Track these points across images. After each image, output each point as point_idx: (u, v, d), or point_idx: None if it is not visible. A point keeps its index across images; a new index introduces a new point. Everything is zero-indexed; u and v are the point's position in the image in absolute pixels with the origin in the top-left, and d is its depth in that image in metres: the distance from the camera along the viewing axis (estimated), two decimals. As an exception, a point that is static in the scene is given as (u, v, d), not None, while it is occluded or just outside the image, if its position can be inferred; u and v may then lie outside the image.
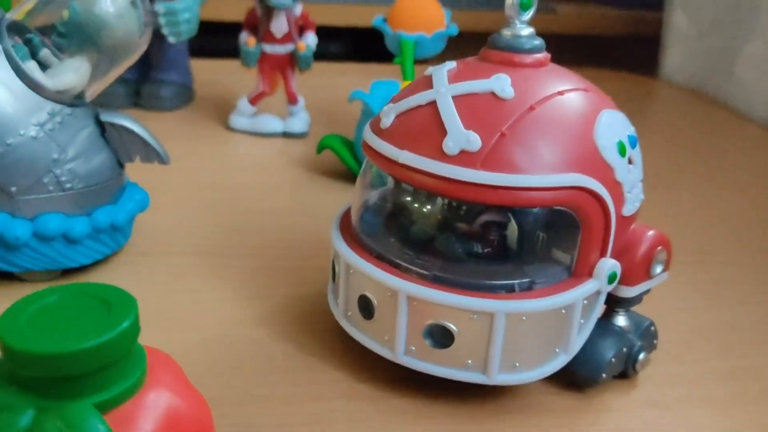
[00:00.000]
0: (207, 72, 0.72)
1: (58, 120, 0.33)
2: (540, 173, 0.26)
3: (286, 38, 0.58)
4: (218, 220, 0.44)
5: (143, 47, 0.36)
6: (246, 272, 0.38)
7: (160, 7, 0.56)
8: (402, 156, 0.27)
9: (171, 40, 0.58)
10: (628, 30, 1.01)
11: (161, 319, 0.33)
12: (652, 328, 0.31)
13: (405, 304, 0.27)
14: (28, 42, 0.35)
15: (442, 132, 0.26)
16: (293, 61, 0.59)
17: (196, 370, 0.30)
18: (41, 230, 0.33)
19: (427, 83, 0.28)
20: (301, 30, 0.59)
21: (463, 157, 0.26)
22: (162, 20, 0.57)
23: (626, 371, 0.30)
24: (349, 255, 0.29)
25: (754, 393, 0.31)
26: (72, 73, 0.34)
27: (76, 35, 0.33)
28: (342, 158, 0.50)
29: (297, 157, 0.56)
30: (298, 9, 0.58)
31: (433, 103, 0.27)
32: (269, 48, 0.58)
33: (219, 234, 0.42)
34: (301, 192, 0.49)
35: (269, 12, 0.57)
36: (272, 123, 0.60)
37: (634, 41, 0.99)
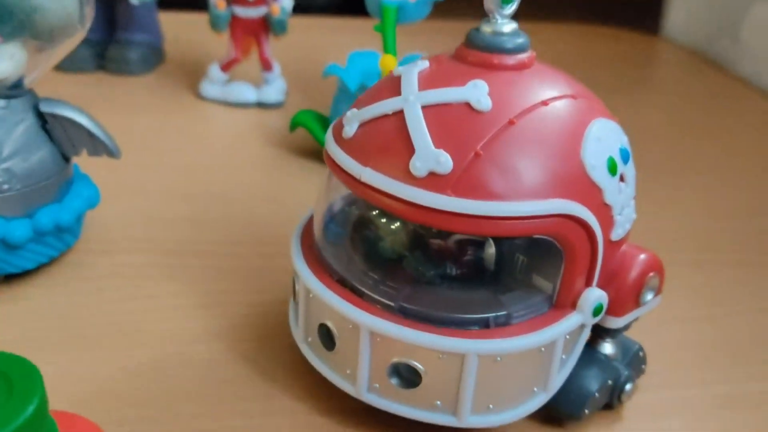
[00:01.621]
0: (177, 26, 0.67)
1: (-10, 115, 0.30)
2: (519, 200, 0.23)
3: (259, 1, 0.54)
4: (179, 210, 0.41)
5: (86, 27, 0.32)
6: (206, 274, 0.35)
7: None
8: (365, 174, 0.24)
9: (134, 2, 0.54)
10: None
11: (107, 333, 0.31)
12: (641, 353, 0.28)
13: (367, 340, 0.24)
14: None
15: (410, 149, 0.23)
16: (267, 24, 0.55)
17: (140, 395, 0.27)
18: (-24, 237, 0.30)
19: (395, 87, 0.25)
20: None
21: (432, 180, 0.23)
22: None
23: (611, 403, 0.28)
24: (308, 278, 0.26)
25: (756, 424, 0.29)
26: (6, 61, 0.30)
27: (7, 20, 0.30)
28: (316, 137, 0.47)
29: (271, 131, 0.52)
30: (272, -32, 0.54)
31: (400, 113, 0.24)
32: (241, 11, 0.54)
33: (179, 227, 0.39)
34: (272, 174, 0.46)
35: (242, -28, 0.52)
36: (245, 92, 0.56)
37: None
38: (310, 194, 0.43)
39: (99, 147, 0.34)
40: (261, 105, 0.56)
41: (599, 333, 0.27)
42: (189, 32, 0.68)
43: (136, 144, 0.48)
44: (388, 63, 0.45)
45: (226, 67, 0.56)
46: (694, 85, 0.71)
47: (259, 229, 0.40)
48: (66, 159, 0.34)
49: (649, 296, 0.26)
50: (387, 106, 0.25)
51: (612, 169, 0.24)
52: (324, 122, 0.48)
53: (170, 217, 0.40)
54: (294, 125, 0.48)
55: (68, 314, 0.32)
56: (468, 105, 0.24)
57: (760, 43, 0.69)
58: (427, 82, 0.25)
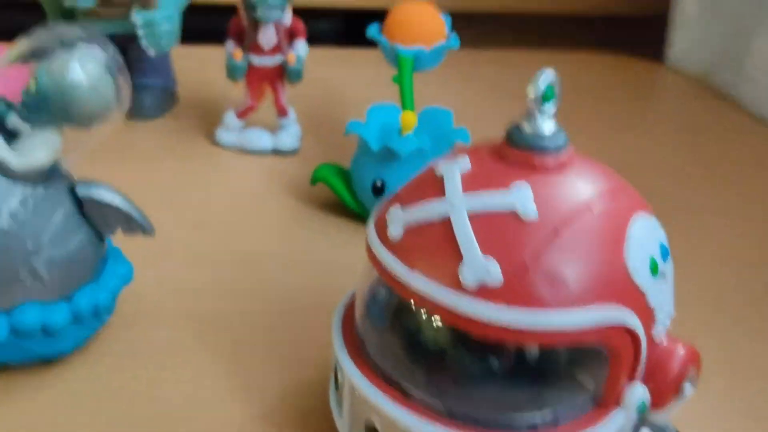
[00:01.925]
0: (189, 61, 0.68)
1: (30, 205, 0.30)
2: (567, 309, 0.23)
3: (275, 49, 0.54)
4: (206, 276, 0.41)
5: (124, 108, 0.32)
6: (240, 350, 0.35)
7: (137, 18, 0.52)
8: (413, 279, 0.24)
9: (151, 53, 0.54)
10: (631, 9, 0.97)
11: (142, 417, 0.31)
12: (677, 435, 0.29)
13: (417, 443, 0.25)
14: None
15: (458, 256, 0.24)
16: (283, 72, 0.55)
17: None
18: (18, 326, 0.31)
19: (439, 188, 0.26)
20: (291, 37, 0.55)
21: (482, 290, 0.23)
22: (140, 32, 0.53)
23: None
24: (353, 374, 0.27)
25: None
26: (42, 148, 0.31)
27: (45, 109, 0.30)
28: (338, 193, 0.47)
29: (289, 180, 0.53)
30: (288, 18, 0.54)
31: (446, 218, 0.25)
32: (257, 60, 0.54)
33: (208, 295, 0.39)
34: (296, 232, 0.46)
35: (257, 23, 0.53)
36: (261, 138, 0.56)
37: (637, 21, 0.95)
38: (334, 254, 0.44)
39: (134, 227, 0.34)
40: (277, 152, 0.56)
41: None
42: (199, 69, 0.68)
43: (155, 199, 0.48)
44: (409, 121, 0.45)
45: (242, 114, 0.56)
46: (699, 116, 0.72)
47: (288, 296, 0.40)
48: (101, 238, 0.34)
49: (688, 388, 0.27)
50: (433, 210, 0.25)
51: (654, 269, 0.25)
52: (345, 176, 0.48)
53: (198, 284, 0.40)
54: (315, 180, 0.48)
55: (103, 396, 0.32)
56: (514, 213, 0.24)
57: (764, 76, 0.70)
58: (471, 185, 0.25)
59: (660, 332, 0.26)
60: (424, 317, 0.27)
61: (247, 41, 0.53)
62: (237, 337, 0.36)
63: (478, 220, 0.24)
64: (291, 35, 0.55)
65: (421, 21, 0.52)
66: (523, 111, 0.26)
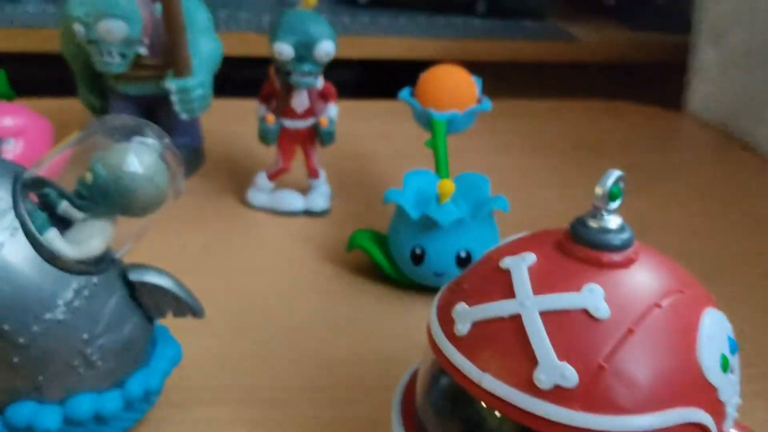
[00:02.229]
0: (212, 114, 0.68)
1: (85, 294, 0.30)
2: (643, 412, 0.23)
3: (308, 113, 0.54)
4: (248, 349, 0.41)
5: (179, 195, 0.33)
6: (286, 425, 0.35)
7: (171, 85, 0.52)
8: (485, 380, 0.24)
9: (183, 117, 0.54)
10: (653, 57, 0.97)
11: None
12: None
13: None
14: (44, 197, 0.31)
15: (531, 358, 0.24)
16: (314, 134, 0.56)
17: None
18: (72, 415, 0.30)
19: (506, 285, 0.25)
20: (322, 99, 0.55)
21: (557, 393, 0.23)
22: (174, 98, 0.53)
23: None
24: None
25: None
26: (97, 238, 0.31)
27: (101, 200, 0.30)
28: (376, 261, 0.47)
29: (323, 242, 0.53)
30: (320, 81, 0.54)
31: (517, 318, 0.24)
32: (289, 123, 0.54)
33: (252, 370, 0.39)
34: (333, 299, 0.46)
35: (290, 87, 0.53)
36: (293, 200, 0.57)
37: (658, 69, 0.96)
38: (377, 323, 0.44)
39: (184, 309, 0.34)
40: (308, 213, 0.57)
41: None
42: (224, 123, 0.69)
43: (190, 267, 0.48)
44: (447, 189, 0.45)
45: (273, 176, 0.56)
46: (722, 167, 0.72)
47: (330, 367, 0.40)
48: (150, 320, 0.34)
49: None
50: (502, 309, 0.25)
51: (724, 366, 0.25)
52: (381, 242, 0.48)
53: (241, 358, 0.40)
54: (352, 247, 0.48)
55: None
56: (586, 312, 0.24)
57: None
58: (539, 283, 0.25)
59: (729, 426, 0.25)
60: (491, 413, 0.26)
61: (280, 105, 0.54)
62: (283, 416, 0.36)
63: (550, 319, 0.24)
64: (323, 97, 0.55)
65: (453, 85, 0.52)
66: (588, 206, 0.26)
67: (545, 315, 0.24)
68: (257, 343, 0.41)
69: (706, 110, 0.83)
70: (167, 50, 0.52)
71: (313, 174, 0.57)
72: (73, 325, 0.30)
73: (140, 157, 0.30)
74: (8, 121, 0.48)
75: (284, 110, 0.54)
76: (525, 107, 0.86)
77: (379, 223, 0.56)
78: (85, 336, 0.30)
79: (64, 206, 0.31)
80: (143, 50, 0.55)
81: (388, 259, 0.47)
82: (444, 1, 1.01)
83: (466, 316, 0.26)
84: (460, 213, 0.44)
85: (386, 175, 0.64)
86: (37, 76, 0.81)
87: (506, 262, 0.26)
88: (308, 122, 0.55)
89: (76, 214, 0.31)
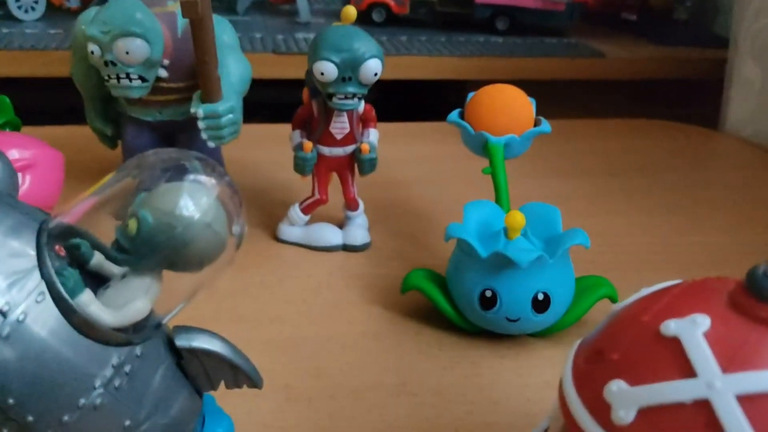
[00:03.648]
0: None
1: (126, 370, 0.24)
2: None
3: (347, 139, 0.49)
4: (300, 415, 0.35)
5: (239, 244, 0.27)
6: None
7: (199, 111, 0.47)
8: (665, 485, 0.19)
9: (211, 144, 0.49)
10: (685, 73, 0.93)
11: None
12: None
13: None
14: (74, 248, 0.26)
15: (730, 457, 0.18)
16: (352, 161, 0.50)
17: None
18: None
19: (676, 357, 0.20)
20: (362, 124, 0.50)
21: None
22: (202, 125, 0.47)
23: None
24: None
25: None
26: (141, 300, 0.25)
27: (148, 253, 0.24)
28: (438, 305, 0.42)
29: (368, 281, 0.47)
30: (362, 104, 0.49)
31: (704, 405, 0.19)
32: (327, 151, 0.49)
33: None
34: (392, 349, 0.40)
35: (329, 111, 0.48)
36: (330, 235, 0.51)
37: (692, 85, 0.91)
38: (447, 379, 0.38)
39: (241, 379, 0.28)
40: (347, 248, 0.51)
41: None
42: (245, 149, 0.63)
43: (216, 314, 0.43)
44: (517, 223, 0.40)
45: (308, 209, 0.51)
46: (757, 183, 0.67)
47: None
48: (200, 394, 0.28)
49: None
50: (681, 392, 0.19)
51: None
52: (440, 283, 0.43)
53: (295, 425, 0.34)
54: (407, 289, 0.43)
55: None
56: (795, 395, 0.18)
57: None
58: (725, 356, 0.20)
59: None
60: None
61: (318, 132, 0.48)
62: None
63: (751, 406, 0.19)
64: (362, 122, 0.50)
65: (509, 106, 0.47)
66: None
67: (743, 400, 0.19)
68: (311, 406, 0.36)
69: (745, 128, 0.78)
70: (195, 73, 0.46)
71: (351, 205, 0.51)
72: (113, 410, 0.24)
73: (195, 199, 0.24)
74: (15, 154, 0.42)
75: (322, 137, 0.48)
76: (554, 127, 0.81)
77: (426, 258, 0.50)
78: (128, 422, 0.24)
79: (97, 260, 0.26)
80: (163, 73, 0.49)
81: (450, 302, 0.42)
82: (464, 19, 0.97)
83: (628, 399, 0.20)
84: (537, 250, 0.39)
85: (426, 203, 0.59)
86: (37, 101, 0.76)
87: (672, 327, 0.21)
88: (348, 149, 0.49)
89: (112, 268, 0.26)
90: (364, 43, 0.44)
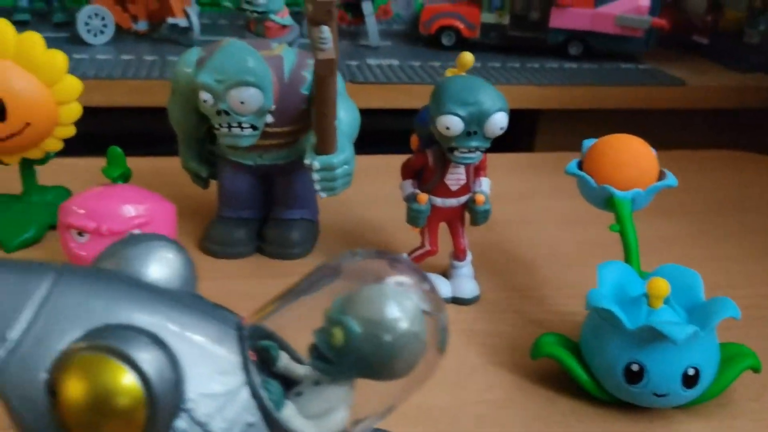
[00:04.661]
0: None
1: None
2: None
3: (462, 190, 0.47)
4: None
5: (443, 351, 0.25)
6: None
7: (315, 163, 0.46)
8: None
9: (322, 195, 0.48)
10: (751, 103, 0.90)
11: None
12: None
13: None
14: (264, 351, 0.24)
15: None
16: (463, 211, 0.49)
17: None
18: None
19: None
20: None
21: None
22: (316, 176, 0.46)
23: None
24: None
25: None
26: (340, 411, 0.23)
27: (353, 364, 0.23)
28: (574, 374, 0.40)
29: (481, 340, 0.45)
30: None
31: None
32: (440, 201, 0.47)
33: None
34: (525, 418, 0.38)
35: (446, 162, 0.46)
36: (439, 286, 0.49)
37: (757, 115, 0.89)
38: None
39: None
40: (456, 300, 0.49)
41: None
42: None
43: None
44: (660, 291, 0.38)
45: (418, 260, 0.49)
46: None
47: None
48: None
49: None
50: None
51: None
52: (572, 347, 0.41)
53: None
54: (540, 355, 0.41)
55: None
56: None
57: None
58: None
59: None
60: None
61: (432, 182, 0.47)
62: None
63: None
64: (475, 171, 0.48)
65: (636, 159, 0.45)
66: None
67: None
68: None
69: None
70: (312, 123, 0.45)
71: (460, 255, 0.50)
72: None
73: (401, 306, 0.23)
74: (131, 210, 0.41)
75: (437, 188, 0.47)
76: None
77: (541, 313, 0.49)
78: None
79: (284, 361, 0.24)
80: (269, 118, 0.48)
81: (586, 370, 0.40)
82: (536, 43, 0.94)
83: None
84: (691, 325, 0.37)
85: (525, 247, 0.57)
86: (103, 128, 0.75)
87: None
88: (461, 200, 0.48)
89: (297, 369, 0.24)
90: (490, 96, 0.43)
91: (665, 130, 0.91)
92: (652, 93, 0.87)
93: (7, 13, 1.01)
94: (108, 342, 0.19)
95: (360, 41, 1.00)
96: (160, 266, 0.24)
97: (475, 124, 0.43)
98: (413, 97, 0.80)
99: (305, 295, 0.24)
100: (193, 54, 0.50)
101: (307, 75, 0.49)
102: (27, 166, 0.54)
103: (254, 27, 0.53)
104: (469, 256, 0.50)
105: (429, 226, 0.48)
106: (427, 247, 0.49)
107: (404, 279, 0.24)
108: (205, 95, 0.45)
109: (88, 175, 0.64)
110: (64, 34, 0.89)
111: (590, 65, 0.94)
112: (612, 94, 0.86)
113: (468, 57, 0.46)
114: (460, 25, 0.94)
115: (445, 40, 0.95)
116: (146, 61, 0.83)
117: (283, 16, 0.56)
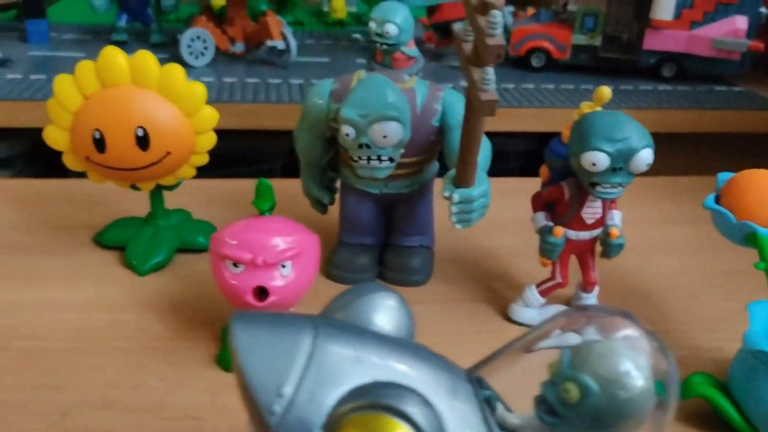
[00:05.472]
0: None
1: None
2: None
3: (597, 223, 0.47)
4: None
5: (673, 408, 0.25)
6: None
7: (455, 196, 0.46)
8: None
9: (458, 227, 0.48)
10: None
11: None
12: None
13: None
14: (485, 400, 0.25)
15: None
16: (594, 243, 0.49)
17: None
18: None
19: None
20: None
21: None
22: (454, 208, 0.47)
23: None
24: None
25: None
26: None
27: (586, 420, 0.23)
28: (726, 415, 0.39)
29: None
30: (619, 191, 0.47)
31: None
32: (574, 234, 0.47)
33: None
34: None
35: (583, 195, 0.46)
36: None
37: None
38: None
39: None
40: (585, 333, 0.49)
41: None
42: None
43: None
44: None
45: (547, 292, 0.49)
46: None
47: None
48: None
49: None
50: None
51: None
52: (724, 390, 0.40)
53: None
54: (690, 395, 0.41)
55: None
56: None
57: None
58: None
59: None
60: None
61: (567, 215, 0.47)
62: None
63: None
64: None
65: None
66: None
67: None
68: None
69: None
70: (458, 158, 0.45)
71: (589, 288, 0.50)
72: None
73: (636, 363, 0.23)
74: (281, 243, 0.42)
75: (573, 221, 0.47)
76: (679, 184, 0.77)
77: (675, 348, 0.48)
78: None
79: (501, 412, 0.25)
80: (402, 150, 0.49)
81: (738, 412, 0.39)
82: (628, 65, 0.94)
83: None
84: None
85: (643, 276, 0.57)
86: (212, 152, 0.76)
87: None
88: (594, 233, 0.48)
89: (512, 420, 0.25)
90: (637, 132, 0.43)
91: (763, 153, 0.90)
92: (748, 116, 0.86)
93: (105, 33, 1.04)
94: (383, 400, 0.20)
95: (444, 62, 1.01)
96: (386, 315, 0.25)
97: (622, 160, 0.43)
98: (510, 120, 0.80)
99: (517, 345, 0.25)
100: (326, 86, 0.51)
101: (438, 107, 0.50)
102: (157, 192, 0.56)
103: (381, 58, 0.54)
104: (596, 289, 0.50)
105: (560, 258, 0.49)
106: (559, 280, 0.49)
107: (634, 333, 0.24)
108: (347, 129, 0.46)
109: (201, 197, 0.65)
110: (163, 56, 0.91)
111: (684, 87, 0.93)
112: (708, 118, 0.85)
113: (606, 91, 0.47)
114: (550, 47, 0.94)
115: (535, 62, 0.95)
116: (250, 84, 0.85)
117: (411, 48, 0.57)
